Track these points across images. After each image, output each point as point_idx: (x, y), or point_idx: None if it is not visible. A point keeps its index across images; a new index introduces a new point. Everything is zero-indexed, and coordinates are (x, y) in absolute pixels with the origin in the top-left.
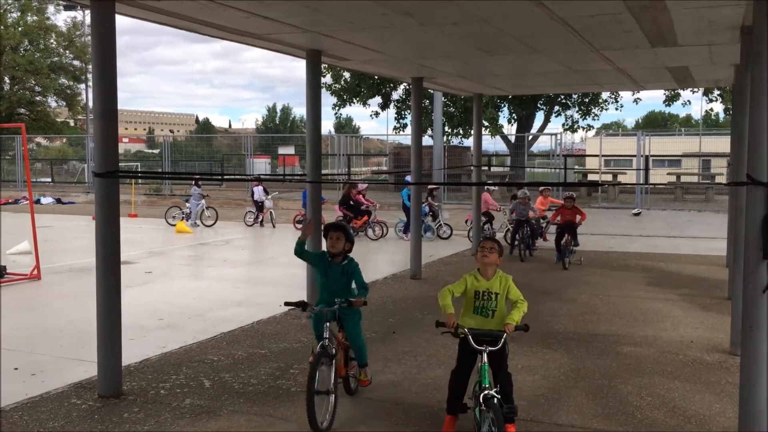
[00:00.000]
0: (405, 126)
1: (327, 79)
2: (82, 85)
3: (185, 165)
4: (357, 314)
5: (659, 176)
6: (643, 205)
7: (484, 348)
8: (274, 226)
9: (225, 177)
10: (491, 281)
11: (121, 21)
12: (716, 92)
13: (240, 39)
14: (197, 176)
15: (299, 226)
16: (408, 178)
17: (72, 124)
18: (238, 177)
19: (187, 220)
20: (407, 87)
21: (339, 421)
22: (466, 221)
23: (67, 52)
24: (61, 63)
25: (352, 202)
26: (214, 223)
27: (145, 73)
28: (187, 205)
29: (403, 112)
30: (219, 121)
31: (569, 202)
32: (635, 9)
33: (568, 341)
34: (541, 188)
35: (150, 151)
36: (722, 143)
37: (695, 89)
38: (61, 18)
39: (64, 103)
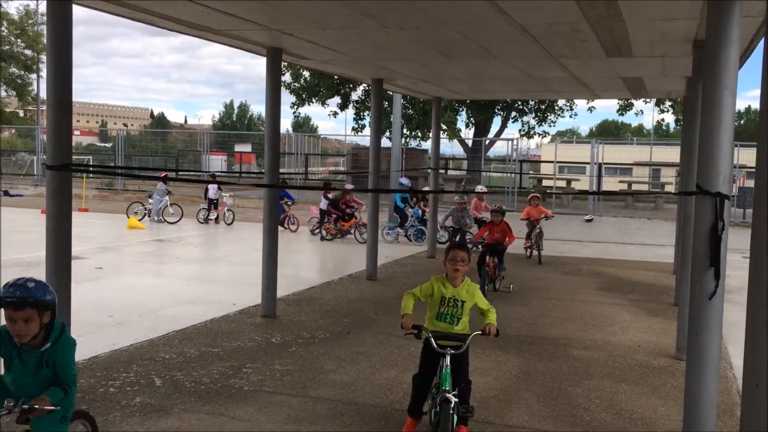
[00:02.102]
0: (363, 127)
1: (286, 77)
2: (34, 75)
3: (139, 160)
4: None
5: (611, 184)
6: (595, 212)
7: (447, 351)
8: (228, 224)
9: (180, 174)
10: (458, 289)
11: (77, 11)
12: (668, 103)
13: (199, 34)
14: (149, 171)
15: None
16: (403, 180)
17: (21, 114)
18: (192, 177)
19: (149, 216)
20: (367, 88)
21: (291, 422)
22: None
23: (19, 41)
24: (12, 52)
25: (343, 205)
26: (179, 220)
27: (100, 65)
28: (150, 200)
29: (362, 113)
30: (175, 117)
31: (497, 216)
32: (592, 19)
33: (520, 344)
34: (530, 196)
35: (102, 144)
36: (672, 153)
37: (648, 99)
38: (13, 5)
39: (14, 93)
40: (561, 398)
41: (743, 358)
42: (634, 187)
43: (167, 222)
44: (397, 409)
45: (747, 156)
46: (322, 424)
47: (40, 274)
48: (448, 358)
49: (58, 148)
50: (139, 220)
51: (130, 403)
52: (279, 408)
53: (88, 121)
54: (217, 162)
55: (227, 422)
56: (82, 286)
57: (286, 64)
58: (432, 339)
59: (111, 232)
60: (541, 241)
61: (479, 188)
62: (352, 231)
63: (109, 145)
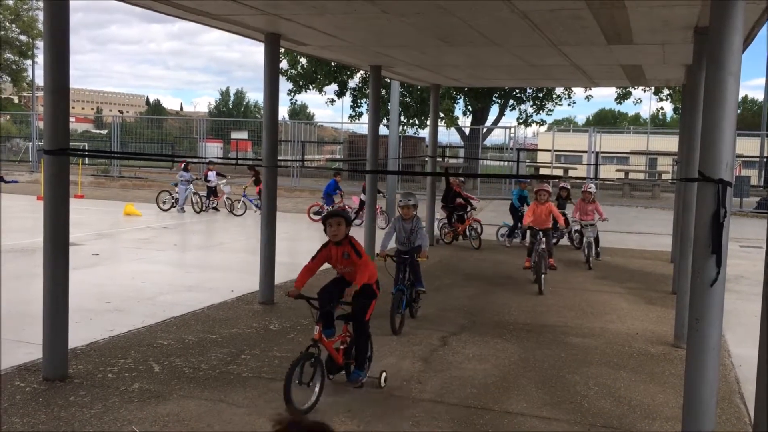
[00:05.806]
0: (361, 114)
1: (283, 64)
2: (29, 61)
3: (135, 147)
4: None
5: (608, 172)
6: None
7: None
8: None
9: (176, 158)
10: None
11: None
12: (666, 92)
13: (197, 19)
14: (145, 155)
15: (316, 217)
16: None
17: (16, 101)
18: (189, 158)
19: (175, 206)
20: (364, 75)
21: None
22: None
23: (14, 26)
24: (7, 37)
25: (460, 200)
26: (202, 209)
27: (98, 51)
28: (176, 189)
29: (359, 101)
30: (171, 104)
31: (334, 225)
32: (594, 5)
33: (518, 331)
34: (536, 188)
35: (98, 131)
36: (667, 142)
37: (646, 88)
38: None
39: (9, 79)
40: (559, 385)
41: (759, 337)
42: (631, 175)
43: (194, 211)
44: (395, 395)
45: (744, 145)
46: (320, 411)
47: (36, 260)
48: None
49: (55, 133)
50: (166, 210)
51: (129, 388)
52: (278, 394)
53: (83, 108)
54: (213, 149)
55: (226, 408)
56: (79, 272)
57: (283, 50)
58: None
59: (107, 219)
60: (543, 262)
61: (590, 187)
62: (469, 233)
63: (104, 132)
